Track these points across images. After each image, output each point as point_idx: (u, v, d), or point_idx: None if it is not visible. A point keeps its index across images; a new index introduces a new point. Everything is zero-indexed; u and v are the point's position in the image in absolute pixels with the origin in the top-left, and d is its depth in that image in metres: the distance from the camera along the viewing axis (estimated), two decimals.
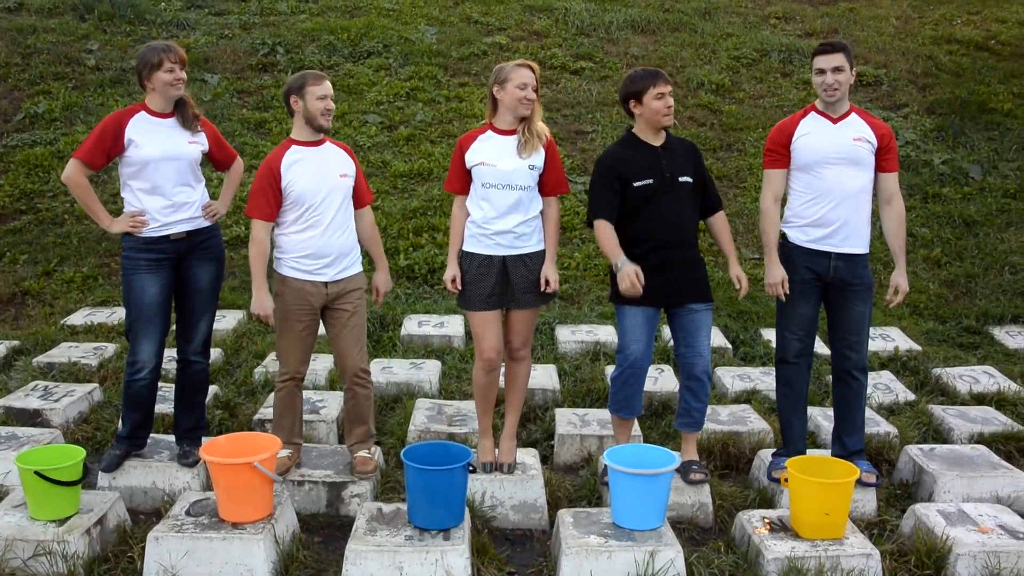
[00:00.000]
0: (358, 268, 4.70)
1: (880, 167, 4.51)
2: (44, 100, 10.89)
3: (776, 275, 4.54)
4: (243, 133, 10.43)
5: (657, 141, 4.51)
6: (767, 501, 4.63)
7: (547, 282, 4.44)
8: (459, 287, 4.48)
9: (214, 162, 4.86)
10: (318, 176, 4.46)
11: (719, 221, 4.68)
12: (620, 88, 4.59)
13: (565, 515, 4.13)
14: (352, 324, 4.57)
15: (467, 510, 4.15)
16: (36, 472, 3.91)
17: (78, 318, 7.37)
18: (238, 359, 6.66)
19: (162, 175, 4.46)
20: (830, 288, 4.55)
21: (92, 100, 10.92)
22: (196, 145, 4.59)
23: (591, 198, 4.52)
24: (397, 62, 12.12)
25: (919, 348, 7.01)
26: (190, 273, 4.61)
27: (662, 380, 6.12)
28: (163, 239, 4.50)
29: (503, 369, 4.73)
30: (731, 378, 6.26)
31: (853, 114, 4.53)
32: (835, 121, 4.50)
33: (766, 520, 4.11)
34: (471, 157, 4.44)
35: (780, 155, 4.59)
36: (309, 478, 4.59)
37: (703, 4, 14.06)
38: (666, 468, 3.95)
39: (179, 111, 4.56)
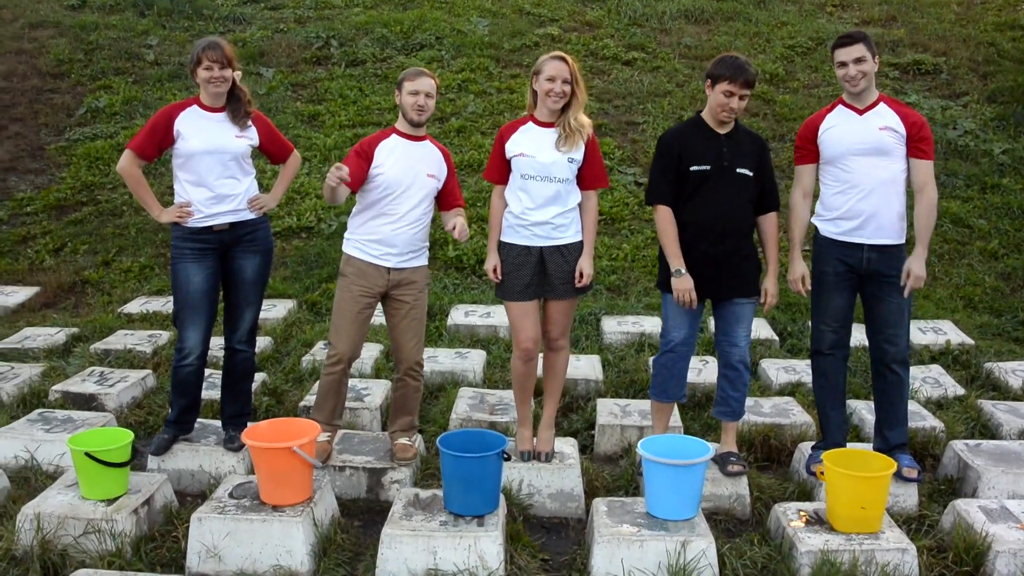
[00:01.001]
0: (423, 261, 4.74)
1: (912, 154, 4.42)
2: (105, 95, 11.18)
3: (796, 271, 4.56)
4: (296, 126, 10.59)
5: (723, 129, 4.44)
6: (806, 494, 4.60)
7: (581, 275, 4.46)
8: (499, 277, 4.51)
9: (267, 156, 4.96)
10: (405, 168, 4.54)
11: (769, 223, 4.56)
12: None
13: (600, 504, 4.15)
14: (412, 316, 4.64)
15: (502, 497, 4.20)
16: (87, 453, 4.05)
17: (134, 306, 7.58)
18: (287, 347, 6.79)
19: (206, 167, 4.57)
20: (865, 280, 4.50)
21: (151, 94, 11.18)
22: (243, 140, 4.67)
23: (651, 178, 4.53)
24: (449, 54, 12.19)
25: (971, 342, 6.88)
26: (236, 264, 4.72)
27: (706, 372, 6.10)
28: (206, 230, 4.61)
29: (541, 359, 4.76)
30: (776, 370, 6.22)
31: (881, 104, 4.46)
32: (861, 112, 4.44)
33: (802, 513, 4.09)
34: (511, 147, 4.47)
35: (808, 151, 4.56)
36: (350, 464, 4.68)
37: None
38: (699, 459, 3.96)
39: (231, 106, 4.65)
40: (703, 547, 3.77)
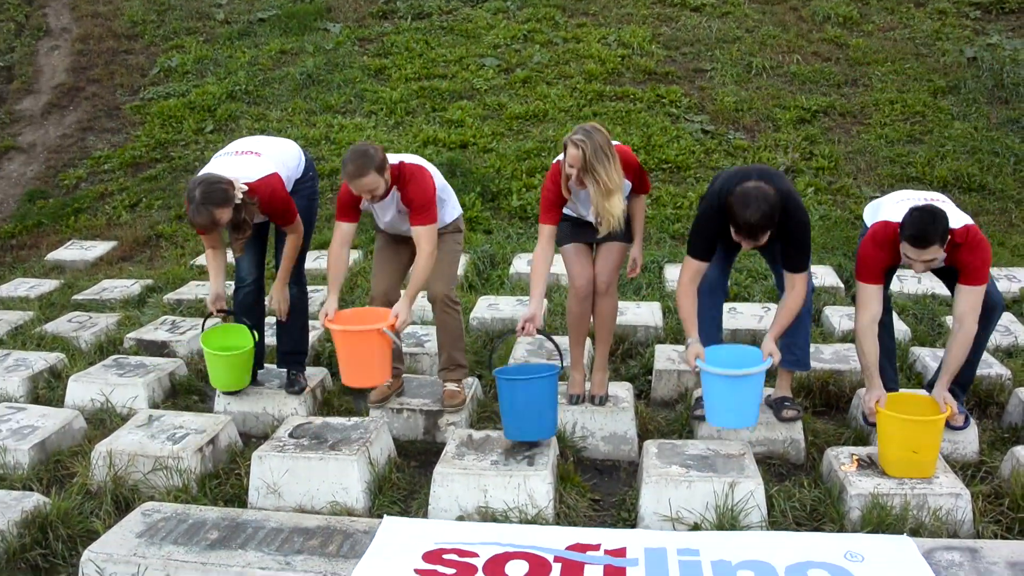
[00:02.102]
0: (450, 218, 4.83)
1: (960, 280, 4.09)
2: (177, 55, 11.43)
3: (872, 396, 4.12)
4: (363, 80, 10.69)
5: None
6: (862, 440, 4.55)
7: (635, 264, 4.70)
8: (534, 330, 4.32)
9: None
10: (388, 214, 4.67)
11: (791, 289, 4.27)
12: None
13: (650, 445, 4.18)
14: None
15: (554, 440, 4.26)
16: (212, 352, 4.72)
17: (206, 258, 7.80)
18: (351, 296, 6.92)
19: None
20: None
21: (221, 52, 11.39)
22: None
23: (691, 235, 4.37)
24: (515, 4, 12.12)
25: None
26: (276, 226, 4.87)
27: (767, 318, 6.03)
28: None
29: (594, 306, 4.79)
30: (839, 317, 6.12)
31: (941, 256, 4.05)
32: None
33: (854, 457, 4.06)
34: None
35: (878, 275, 4.20)
36: (408, 406, 4.79)
37: None
38: (756, 369, 3.97)
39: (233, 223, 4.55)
40: (751, 488, 3.78)
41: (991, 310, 4.29)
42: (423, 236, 4.44)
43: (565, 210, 4.52)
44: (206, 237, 4.75)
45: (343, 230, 4.62)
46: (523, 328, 4.29)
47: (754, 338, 5.80)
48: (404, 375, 5.11)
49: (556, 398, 4.19)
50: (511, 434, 4.14)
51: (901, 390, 4.46)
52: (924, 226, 3.85)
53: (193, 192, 4.31)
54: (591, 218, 4.47)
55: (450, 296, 4.76)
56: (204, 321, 4.97)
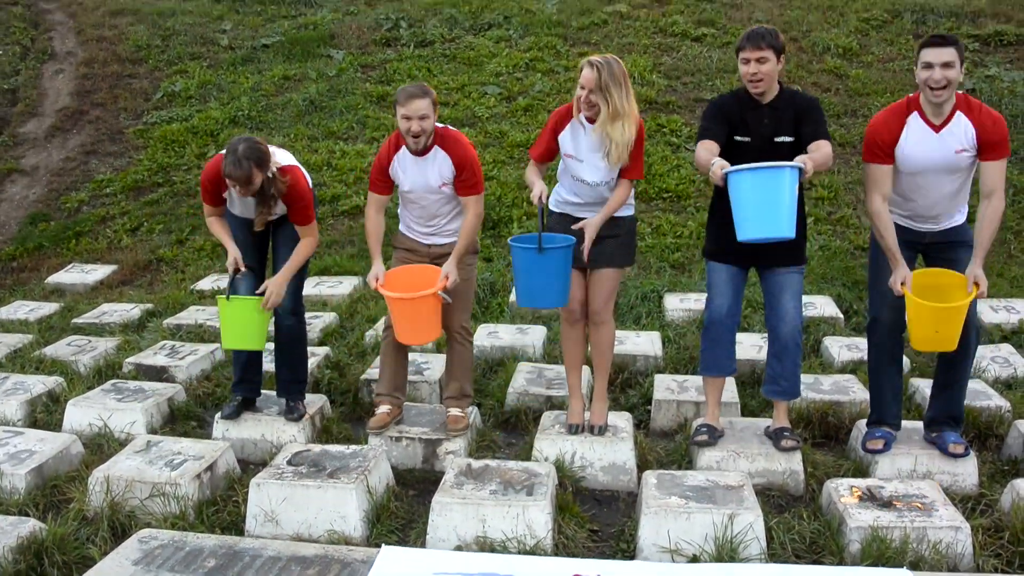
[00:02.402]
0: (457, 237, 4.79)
1: (983, 158, 4.18)
2: (181, 79, 11.51)
3: (900, 274, 4.22)
4: (365, 106, 10.75)
5: (764, 99, 4.30)
6: (861, 471, 4.54)
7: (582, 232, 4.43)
8: (543, 201, 4.36)
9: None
10: (417, 180, 4.65)
11: (820, 147, 4.17)
12: None
13: (649, 476, 4.17)
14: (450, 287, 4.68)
15: (553, 468, 4.26)
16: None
17: (206, 283, 7.82)
18: (352, 323, 6.93)
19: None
20: (930, 248, 4.39)
21: (225, 77, 11.46)
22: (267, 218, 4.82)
23: (700, 127, 4.44)
24: (517, 33, 12.21)
25: None
26: (277, 229, 4.91)
27: (766, 349, 6.03)
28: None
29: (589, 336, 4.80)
30: (839, 348, 6.13)
31: (957, 114, 4.17)
32: (938, 129, 4.18)
33: (855, 489, 4.05)
34: (563, 142, 4.47)
35: (885, 153, 4.26)
36: (406, 434, 4.78)
37: None
38: (788, 164, 3.82)
39: (259, 197, 4.66)
40: (750, 520, 3.76)
41: (971, 338, 4.39)
42: (472, 203, 4.65)
43: (571, 160, 4.44)
44: (212, 206, 4.83)
45: (379, 200, 4.77)
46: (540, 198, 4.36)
47: (754, 368, 5.82)
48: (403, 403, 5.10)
49: (569, 270, 4.32)
50: (523, 301, 4.39)
51: (925, 269, 4.43)
52: (943, 33, 4.21)
53: (236, 146, 4.44)
54: (585, 174, 4.40)
55: (466, 327, 4.81)
56: (229, 286, 4.79)
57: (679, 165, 9.35)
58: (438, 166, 4.60)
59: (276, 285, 4.74)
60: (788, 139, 4.30)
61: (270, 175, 4.55)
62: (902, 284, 4.18)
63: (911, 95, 4.28)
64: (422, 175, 4.61)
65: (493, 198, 8.87)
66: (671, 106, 10.46)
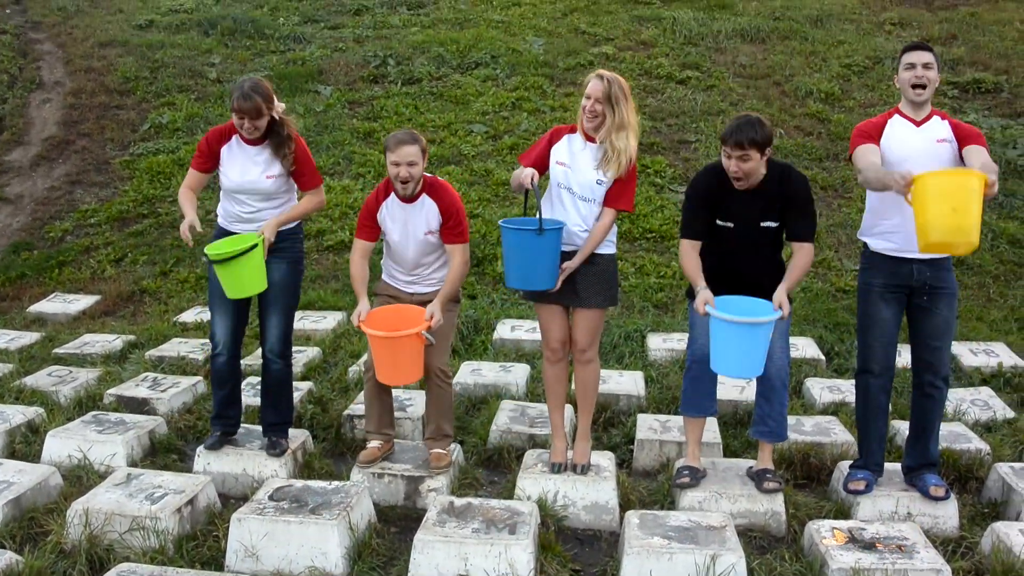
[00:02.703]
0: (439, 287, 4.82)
1: (963, 146, 4.30)
2: (168, 111, 11.54)
3: (902, 179, 3.99)
4: (352, 142, 10.80)
5: (743, 185, 4.39)
6: (843, 513, 4.56)
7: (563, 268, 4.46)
8: (534, 185, 4.33)
9: (296, 182, 4.93)
10: (404, 230, 4.70)
11: (800, 253, 4.38)
12: None
13: (632, 516, 4.17)
14: (433, 329, 4.68)
15: (536, 507, 4.25)
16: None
17: (189, 315, 7.80)
18: (335, 358, 6.92)
19: (238, 200, 4.82)
20: (915, 294, 4.44)
21: (212, 111, 11.49)
22: (273, 178, 4.76)
23: (683, 216, 4.56)
24: (504, 72, 12.33)
25: None
26: (264, 298, 4.85)
27: (749, 390, 6.06)
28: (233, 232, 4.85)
29: (573, 374, 4.81)
30: (820, 389, 6.17)
31: (935, 117, 4.43)
32: (918, 124, 4.41)
33: (837, 531, 4.06)
34: (555, 151, 4.52)
35: (873, 138, 4.38)
36: (389, 471, 4.77)
37: (815, 11, 13.84)
38: (766, 318, 4.06)
39: (272, 140, 4.74)
40: (732, 561, 3.77)
41: (945, 379, 4.51)
42: (458, 251, 4.71)
43: (558, 167, 4.46)
44: (199, 171, 4.81)
45: (364, 247, 4.80)
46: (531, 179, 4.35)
47: (736, 409, 5.85)
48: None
49: (558, 254, 4.37)
50: (512, 282, 4.45)
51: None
52: (922, 41, 4.40)
53: (243, 84, 4.60)
54: (574, 183, 4.43)
55: (444, 370, 4.78)
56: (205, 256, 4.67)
57: (663, 206, 9.44)
58: (425, 213, 4.66)
59: (269, 229, 4.69)
60: (773, 224, 4.43)
61: (276, 116, 4.68)
62: (907, 186, 3.88)
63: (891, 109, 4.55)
64: (409, 222, 4.67)
65: (478, 236, 8.91)
66: (656, 147, 10.57)
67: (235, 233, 4.82)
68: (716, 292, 4.30)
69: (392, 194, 4.67)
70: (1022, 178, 9.77)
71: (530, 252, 4.35)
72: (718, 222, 4.44)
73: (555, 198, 4.52)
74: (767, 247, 4.51)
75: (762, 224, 4.41)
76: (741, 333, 4.06)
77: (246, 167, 4.74)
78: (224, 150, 4.78)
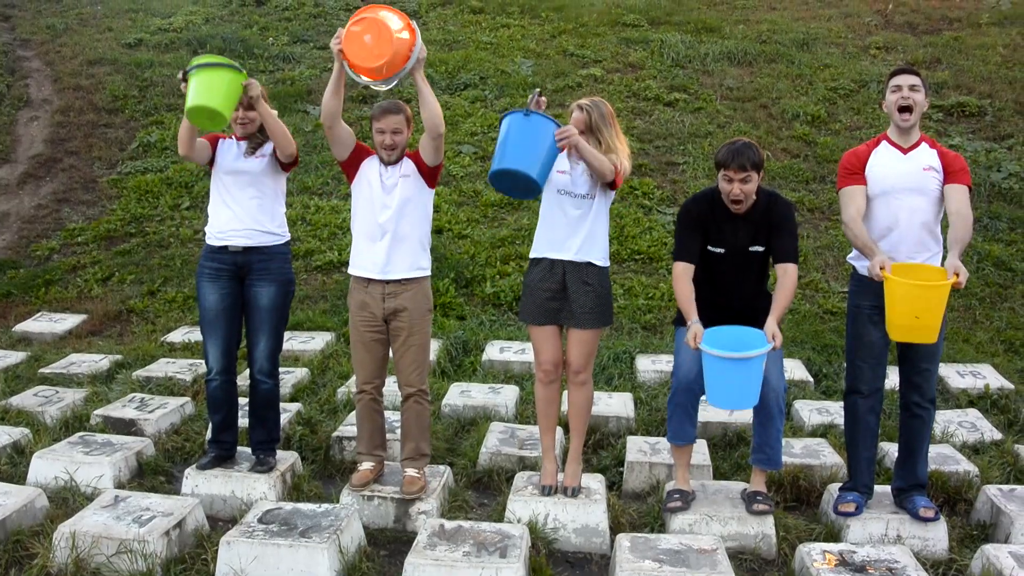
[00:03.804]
0: (417, 273, 4.69)
1: (947, 182, 4.38)
2: (156, 130, 11.52)
3: (877, 260, 4.16)
4: None
5: (737, 208, 4.49)
6: (833, 535, 4.57)
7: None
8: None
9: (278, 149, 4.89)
10: (387, 187, 4.67)
11: (785, 274, 4.46)
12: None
13: (623, 539, 4.17)
14: (409, 343, 4.68)
15: (526, 529, 4.24)
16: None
17: (177, 335, 7.76)
18: (324, 379, 6.89)
19: (224, 186, 4.87)
20: None
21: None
22: (259, 158, 4.85)
23: (676, 240, 4.64)
24: (493, 94, 12.37)
25: (1011, 386, 6.77)
26: (251, 292, 4.88)
27: (738, 412, 6.07)
28: (222, 249, 4.84)
29: (566, 395, 4.80)
30: (809, 411, 6.19)
31: (923, 144, 4.48)
32: (905, 151, 4.46)
33: (828, 554, 4.07)
34: (558, 160, 4.51)
35: (858, 174, 4.49)
36: (379, 493, 4.75)
37: (801, 35, 13.94)
38: (757, 352, 4.09)
39: (255, 137, 4.90)
40: None
41: (932, 401, 4.55)
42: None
43: (557, 175, 4.50)
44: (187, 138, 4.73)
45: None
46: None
47: (726, 431, 5.86)
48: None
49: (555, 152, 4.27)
50: (510, 163, 4.16)
51: (909, 262, 4.40)
52: (908, 65, 4.38)
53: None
54: (574, 187, 4.49)
55: (423, 388, 4.77)
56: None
57: (651, 227, 9.47)
58: (402, 166, 4.70)
59: (258, 87, 4.67)
60: (760, 249, 4.52)
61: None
62: (881, 269, 4.10)
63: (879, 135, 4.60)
64: (390, 179, 4.67)
65: (467, 256, 8.92)
66: (643, 169, 10.61)
67: (224, 249, 4.83)
68: (707, 318, 4.33)
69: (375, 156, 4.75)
70: (1007, 201, 9.86)
71: (520, 133, 4.21)
72: (709, 248, 4.50)
73: (554, 205, 4.56)
74: (755, 272, 4.58)
75: (751, 249, 4.50)
76: (734, 367, 4.10)
77: (233, 152, 4.87)
78: (219, 144, 4.90)
